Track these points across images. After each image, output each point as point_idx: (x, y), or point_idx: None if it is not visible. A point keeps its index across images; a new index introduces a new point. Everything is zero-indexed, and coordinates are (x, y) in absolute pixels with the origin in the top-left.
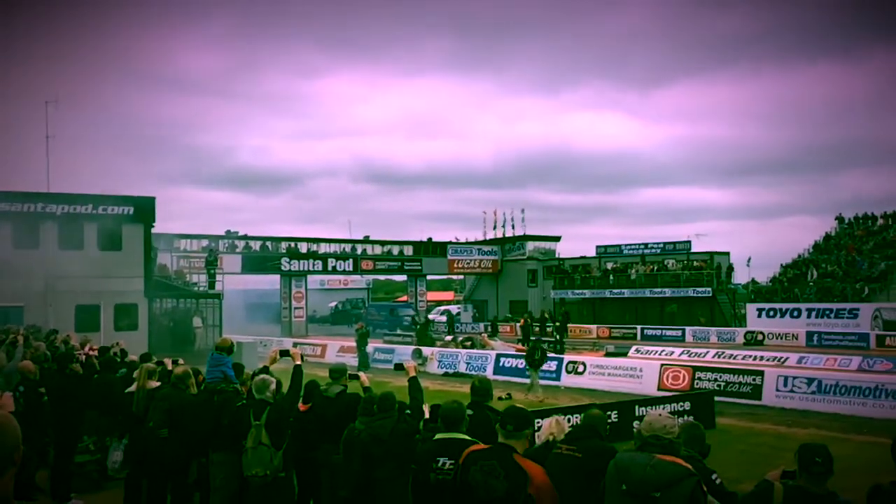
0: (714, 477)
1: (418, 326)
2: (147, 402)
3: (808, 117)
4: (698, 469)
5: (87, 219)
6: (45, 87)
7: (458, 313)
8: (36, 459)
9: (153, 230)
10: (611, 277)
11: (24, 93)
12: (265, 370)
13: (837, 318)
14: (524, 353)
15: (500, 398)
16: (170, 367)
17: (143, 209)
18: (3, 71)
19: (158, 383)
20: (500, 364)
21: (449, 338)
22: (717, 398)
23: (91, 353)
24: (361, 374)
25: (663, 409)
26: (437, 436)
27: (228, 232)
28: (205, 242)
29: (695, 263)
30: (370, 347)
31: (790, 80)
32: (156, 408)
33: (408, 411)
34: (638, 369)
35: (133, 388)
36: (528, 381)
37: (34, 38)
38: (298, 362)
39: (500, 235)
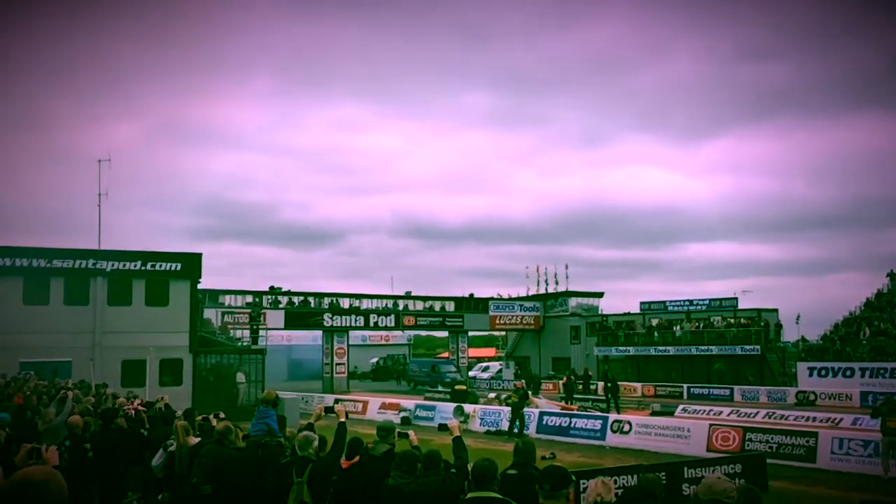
0: None
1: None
2: (189, 458)
3: (858, 170)
4: None
5: (136, 275)
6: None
7: (501, 370)
8: None
9: (198, 286)
10: (655, 334)
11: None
12: (310, 427)
13: (892, 378)
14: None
15: (543, 458)
16: (214, 423)
17: (190, 265)
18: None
19: (198, 439)
20: (544, 422)
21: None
22: (769, 460)
23: (139, 408)
24: (411, 432)
25: (714, 471)
26: (469, 494)
27: (272, 288)
28: (249, 298)
29: (742, 320)
30: (411, 403)
31: (838, 132)
32: (199, 464)
33: (453, 470)
34: (686, 429)
35: (173, 446)
36: (571, 440)
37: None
38: (343, 419)
39: (542, 291)
